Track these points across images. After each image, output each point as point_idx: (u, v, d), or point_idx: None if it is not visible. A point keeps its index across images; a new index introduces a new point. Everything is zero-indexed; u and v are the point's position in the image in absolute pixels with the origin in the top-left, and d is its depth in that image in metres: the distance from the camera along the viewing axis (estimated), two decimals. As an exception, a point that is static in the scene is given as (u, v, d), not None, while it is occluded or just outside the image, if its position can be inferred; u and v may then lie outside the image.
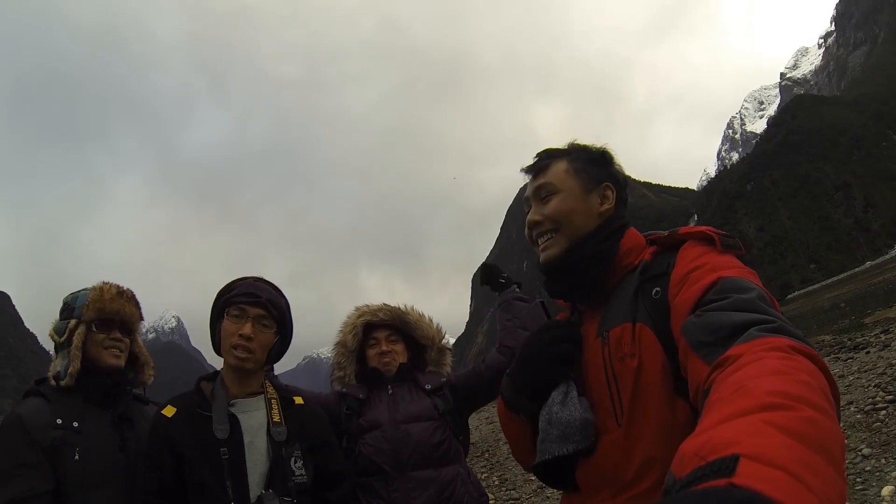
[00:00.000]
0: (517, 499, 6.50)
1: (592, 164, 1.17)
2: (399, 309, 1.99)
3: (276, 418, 1.50)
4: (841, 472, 0.45)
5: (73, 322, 1.58)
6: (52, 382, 1.54)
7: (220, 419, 1.44)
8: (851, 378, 6.91)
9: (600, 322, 1.12)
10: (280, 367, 1.72)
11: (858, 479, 4.04)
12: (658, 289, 1.00)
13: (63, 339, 1.57)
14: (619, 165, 1.23)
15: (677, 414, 0.95)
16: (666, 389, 0.97)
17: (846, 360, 8.31)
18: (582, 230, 1.12)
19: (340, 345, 1.97)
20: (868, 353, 8.34)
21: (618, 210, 1.18)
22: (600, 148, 1.22)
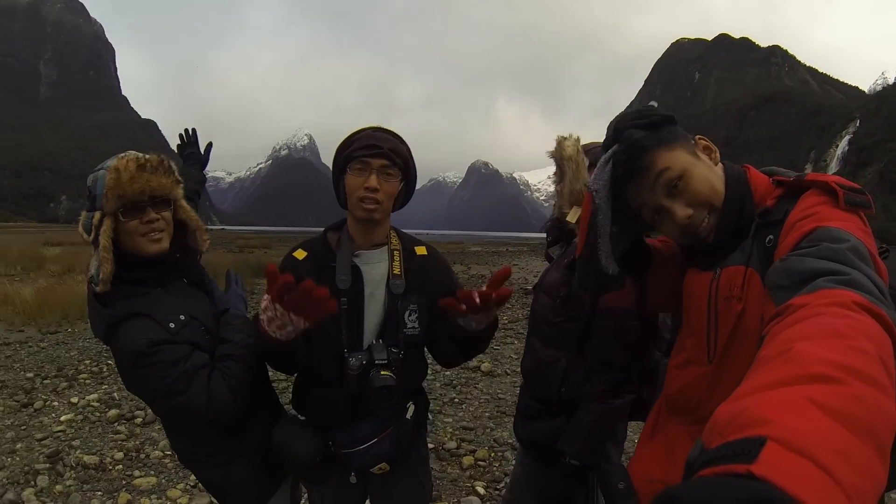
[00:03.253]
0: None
1: (671, 131, 1.07)
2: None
3: (397, 270, 1.52)
4: (884, 457, 0.42)
5: (97, 216, 1.37)
6: (94, 287, 1.38)
7: (344, 270, 1.48)
8: None
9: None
10: None
11: None
12: (771, 237, 0.98)
13: (91, 237, 1.37)
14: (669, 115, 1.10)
15: None
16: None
17: None
18: (723, 193, 1.05)
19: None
20: None
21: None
22: (652, 111, 1.11)
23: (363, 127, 1.56)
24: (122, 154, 1.42)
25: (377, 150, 1.45)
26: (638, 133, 1.06)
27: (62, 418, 4.29)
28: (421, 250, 1.62)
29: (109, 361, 5.96)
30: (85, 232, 1.38)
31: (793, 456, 0.37)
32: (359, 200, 1.45)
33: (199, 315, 1.46)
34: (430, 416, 1.75)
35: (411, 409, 1.60)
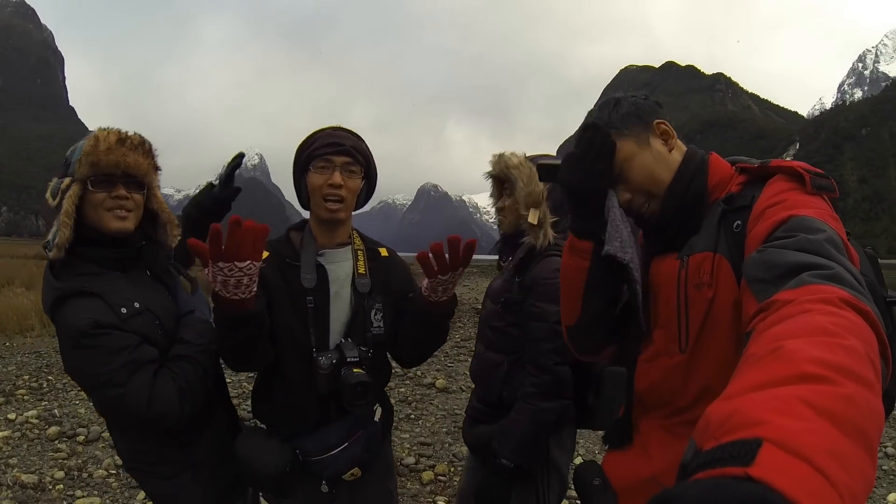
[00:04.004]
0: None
1: (625, 115, 1.10)
2: (503, 156, 1.70)
3: (362, 270, 1.51)
4: (873, 456, 0.42)
5: (66, 181, 1.29)
6: (44, 251, 1.31)
7: (308, 269, 1.45)
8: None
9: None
10: (355, 211, 1.52)
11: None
12: (739, 222, 0.98)
13: (56, 202, 1.29)
14: (639, 98, 1.14)
15: (741, 349, 0.89)
16: (734, 324, 0.96)
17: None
18: (668, 178, 1.08)
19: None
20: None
21: (683, 143, 1.13)
22: (618, 95, 1.15)
23: (323, 127, 1.53)
24: (103, 127, 1.36)
25: (339, 147, 1.44)
26: (590, 117, 1.13)
27: (-3, 435, 3.98)
28: (384, 251, 1.61)
29: (49, 377, 5.61)
30: (51, 196, 1.31)
31: (789, 458, 0.37)
32: (323, 198, 1.44)
33: (155, 308, 1.37)
34: (391, 431, 1.71)
35: (379, 410, 1.57)
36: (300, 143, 1.51)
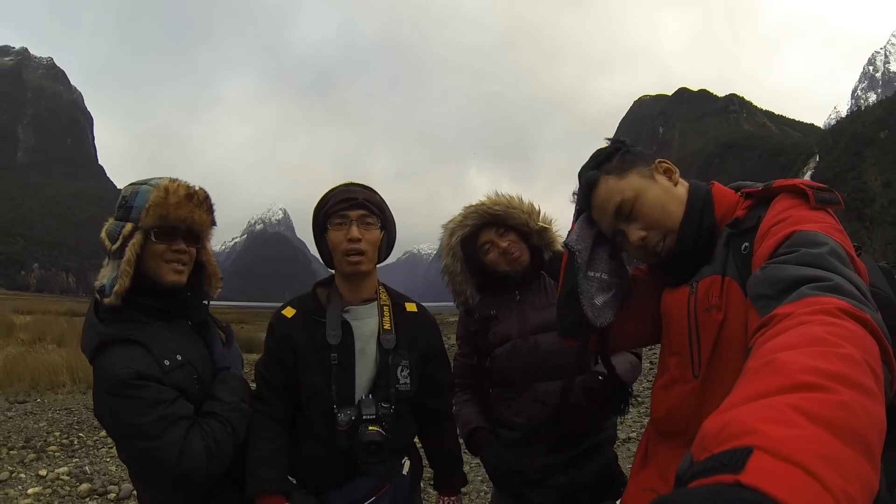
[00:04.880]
0: None
1: (624, 158, 1.13)
2: (483, 205, 1.75)
3: (387, 325, 1.51)
4: (874, 461, 0.42)
5: (128, 227, 1.30)
6: (97, 297, 1.33)
7: (334, 325, 1.46)
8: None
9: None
10: (380, 262, 1.54)
11: None
12: (747, 244, 0.98)
13: (116, 246, 1.30)
14: (634, 149, 1.16)
15: None
16: (746, 347, 0.94)
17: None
18: (679, 213, 1.08)
19: (447, 271, 1.83)
20: None
21: (684, 178, 1.15)
22: (614, 143, 1.18)
23: (335, 185, 1.56)
24: (172, 178, 1.37)
25: (353, 201, 1.47)
26: (588, 172, 1.13)
27: (29, 491, 4.05)
28: (411, 306, 1.61)
29: (80, 434, 5.68)
30: (109, 239, 1.32)
31: (780, 463, 0.37)
32: (343, 254, 1.46)
33: (194, 361, 1.38)
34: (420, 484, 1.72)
35: (407, 464, 1.57)
36: (316, 203, 1.54)
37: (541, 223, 1.76)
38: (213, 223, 1.45)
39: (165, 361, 1.29)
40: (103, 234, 1.34)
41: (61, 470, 4.52)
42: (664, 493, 0.38)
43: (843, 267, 0.73)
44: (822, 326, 0.57)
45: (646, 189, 1.08)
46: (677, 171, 1.12)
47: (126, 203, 1.34)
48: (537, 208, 1.79)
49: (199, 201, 1.38)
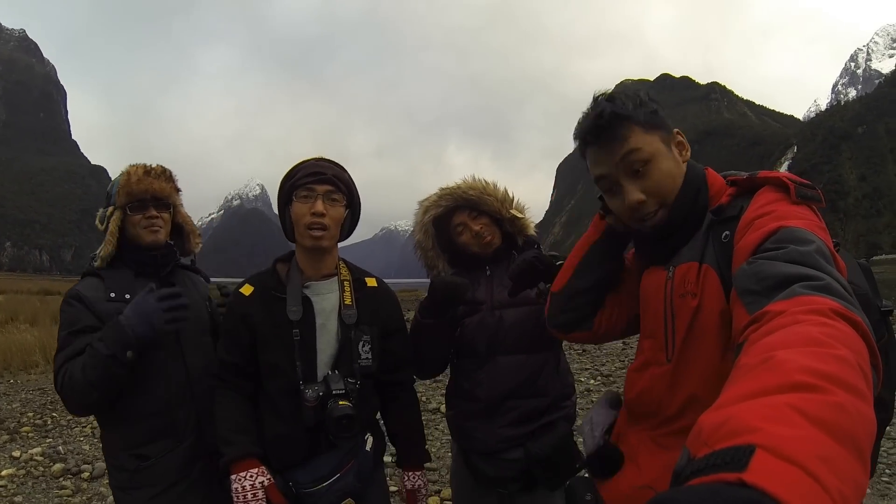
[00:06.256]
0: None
1: (656, 114, 1.07)
2: (459, 188, 1.80)
3: (348, 301, 1.52)
4: (865, 463, 0.43)
5: (110, 210, 1.64)
6: (94, 263, 1.66)
7: (294, 301, 1.47)
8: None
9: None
10: (357, 237, 1.60)
11: (888, 471, 3.83)
12: (727, 232, 0.99)
13: (104, 226, 1.64)
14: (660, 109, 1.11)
15: (727, 360, 0.95)
16: (720, 334, 0.97)
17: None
18: (678, 189, 1.07)
19: (420, 246, 1.88)
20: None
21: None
22: (646, 94, 1.11)
23: (306, 158, 1.57)
24: (132, 164, 1.69)
25: (321, 176, 1.47)
26: (626, 104, 1.05)
27: (3, 472, 4.04)
28: (371, 281, 1.63)
29: (54, 414, 5.66)
30: (100, 223, 1.67)
31: (782, 463, 0.37)
32: (306, 227, 1.46)
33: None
34: (390, 458, 1.77)
35: (370, 440, 1.59)
36: (285, 173, 1.54)
37: (513, 211, 1.80)
38: (177, 189, 1.72)
39: (112, 293, 1.57)
40: (97, 222, 1.69)
41: (35, 451, 4.51)
42: (662, 491, 0.37)
43: (828, 266, 0.74)
44: (817, 327, 0.57)
45: (663, 155, 1.05)
46: (689, 148, 1.11)
47: (108, 194, 1.68)
48: (511, 195, 1.83)
49: (157, 174, 1.66)
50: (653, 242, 1.13)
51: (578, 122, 1.10)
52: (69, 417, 5.44)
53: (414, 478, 1.64)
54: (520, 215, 1.81)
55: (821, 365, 0.48)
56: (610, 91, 1.11)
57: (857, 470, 0.41)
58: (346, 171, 1.56)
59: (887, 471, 3.89)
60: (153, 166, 1.68)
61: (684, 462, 0.43)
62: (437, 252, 1.87)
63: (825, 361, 0.49)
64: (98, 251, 1.64)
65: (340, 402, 1.40)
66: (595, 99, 1.09)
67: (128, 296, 1.57)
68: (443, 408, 5.88)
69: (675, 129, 1.09)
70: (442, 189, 1.84)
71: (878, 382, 0.59)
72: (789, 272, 0.72)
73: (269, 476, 1.41)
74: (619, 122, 1.04)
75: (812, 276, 0.70)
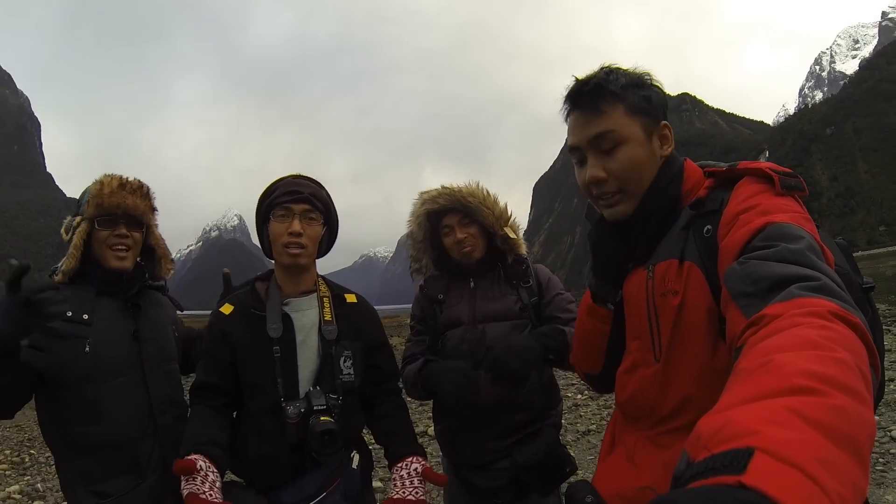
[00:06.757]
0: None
1: (648, 101, 1.03)
2: (460, 191, 1.78)
3: (328, 317, 1.52)
4: (864, 466, 0.43)
5: (77, 219, 1.49)
6: (55, 277, 1.48)
7: (274, 318, 1.46)
8: None
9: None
10: (337, 265, 2.42)
11: (881, 460, 3.89)
12: (709, 227, 0.96)
13: (68, 237, 1.49)
14: (663, 90, 1.08)
15: (718, 357, 0.94)
16: (709, 331, 0.95)
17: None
18: (648, 181, 1.04)
19: (411, 236, 1.89)
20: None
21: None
22: (649, 77, 1.06)
23: (283, 176, 1.55)
24: (108, 173, 1.54)
25: (298, 195, 1.46)
26: (618, 80, 1.01)
27: (-21, 514, 3.89)
28: (351, 297, 1.62)
29: (32, 451, 5.52)
30: (65, 232, 1.51)
31: (781, 466, 0.37)
32: (283, 246, 1.45)
33: (101, 325, 1.47)
34: (380, 483, 1.73)
35: (356, 458, 1.56)
36: (263, 191, 1.52)
37: (507, 230, 1.79)
38: (153, 209, 1.59)
39: (69, 313, 1.39)
40: (62, 230, 1.54)
41: (13, 488, 4.39)
42: (662, 494, 0.37)
43: (822, 263, 0.73)
44: (815, 329, 0.57)
45: (638, 143, 1.02)
46: (672, 144, 1.07)
47: (78, 202, 1.54)
48: (509, 214, 1.83)
49: (133, 189, 1.51)
50: (616, 234, 1.10)
51: (568, 85, 1.07)
52: (48, 454, 5.27)
53: (405, 465, 1.48)
54: (512, 235, 1.81)
55: (820, 368, 0.48)
56: (616, 66, 1.06)
57: (857, 472, 0.41)
58: (323, 187, 1.54)
59: (881, 459, 3.94)
60: (130, 179, 1.54)
61: (683, 466, 0.43)
62: (425, 245, 1.87)
63: (824, 364, 0.49)
64: (60, 264, 1.49)
65: (322, 418, 1.38)
66: (600, 68, 1.06)
67: (86, 316, 1.44)
68: (430, 430, 5.88)
69: (664, 122, 1.06)
70: (444, 187, 1.84)
71: (878, 383, 0.58)
72: (784, 273, 0.71)
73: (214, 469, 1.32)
74: (601, 95, 1.01)
75: (808, 277, 0.69)
